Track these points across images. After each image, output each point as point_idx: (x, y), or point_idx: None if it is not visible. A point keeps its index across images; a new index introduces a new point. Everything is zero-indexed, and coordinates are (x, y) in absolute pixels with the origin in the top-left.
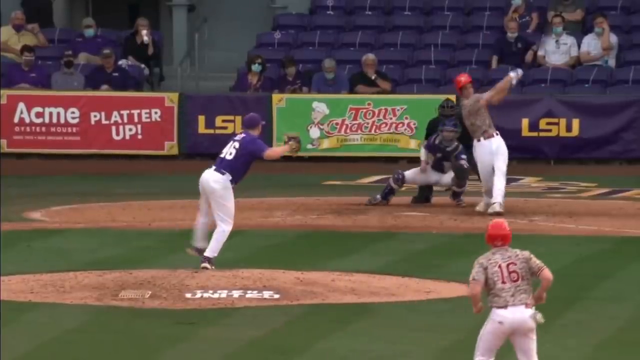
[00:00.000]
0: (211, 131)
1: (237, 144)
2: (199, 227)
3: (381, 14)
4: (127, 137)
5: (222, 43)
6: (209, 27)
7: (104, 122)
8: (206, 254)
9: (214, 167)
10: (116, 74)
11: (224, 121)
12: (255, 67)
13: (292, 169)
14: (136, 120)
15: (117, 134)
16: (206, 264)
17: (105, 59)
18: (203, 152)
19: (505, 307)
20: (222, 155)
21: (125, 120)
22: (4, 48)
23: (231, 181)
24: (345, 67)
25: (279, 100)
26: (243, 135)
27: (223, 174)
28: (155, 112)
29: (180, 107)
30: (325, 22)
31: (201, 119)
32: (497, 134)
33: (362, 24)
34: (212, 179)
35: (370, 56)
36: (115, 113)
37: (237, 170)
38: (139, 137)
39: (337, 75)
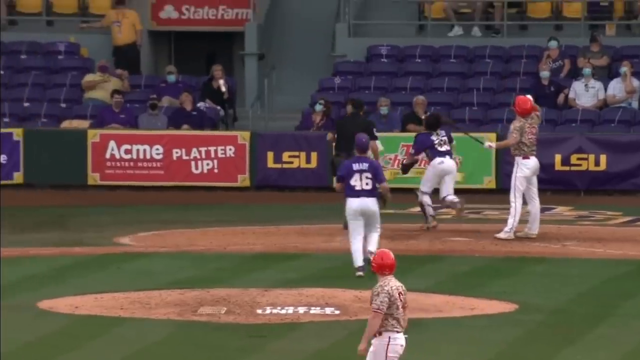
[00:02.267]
0: (279, 166)
1: (368, 174)
2: (360, 247)
3: (429, 61)
4: (205, 171)
5: (288, 87)
6: (276, 73)
7: (184, 157)
8: (373, 249)
9: (361, 196)
10: (195, 115)
11: (290, 156)
12: (318, 107)
13: None
14: (213, 156)
15: (196, 168)
16: (370, 256)
17: (185, 99)
18: (272, 184)
19: (400, 332)
20: (358, 188)
21: (203, 156)
22: (88, 85)
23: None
24: (397, 109)
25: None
26: (365, 163)
27: (374, 197)
28: (230, 149)
29: (252, 145)
30: (380, 68)
31: (270, 155)
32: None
33: (412, 70)
34: (371, 204)
35: (421, 97)
36: (194, 150)
37: (376, 191)
38: (215, 171)
39: (390, 116)
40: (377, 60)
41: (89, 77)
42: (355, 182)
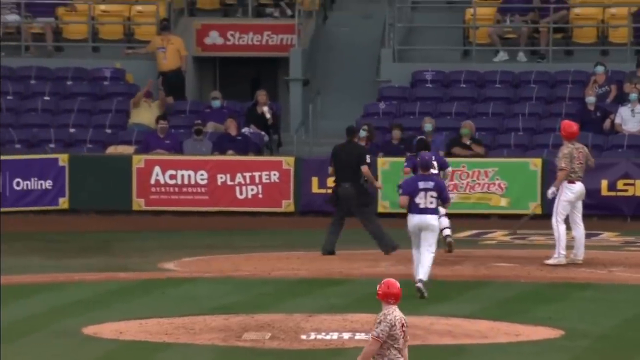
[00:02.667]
0: (323, 191)
1: (433, 193)
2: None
3: (474, 86)
4: (249, 196)
5: (332, 113)
6: (321, 98)
7: (229, 183)
8: (423, 278)
9: (423, 213)
10: (240, 140)
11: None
12: (362, 133)
13: (395, 224)
14: (257, 181)
15: (241, 193)
16: (420, 285)
17: (229, 125)
18: (316, 210)
19: None
20: (422, 206)
21: (248, 181)
22: (135, 101)
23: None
24: (442, 133)
25: (383, 163)
26: (431, 182)
27: (436, 213)
28: (274, 174)
29: (296, 170)
30: (425, 93)
31: (314, 180)
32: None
33: (457, 95)
34: (431, 218)
35: (468, 122)
36: (239, 175)
37: (438, 209)
38: (260, 196)
39: (434, 140)
40: (421, 85)
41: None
42: (420, 199)
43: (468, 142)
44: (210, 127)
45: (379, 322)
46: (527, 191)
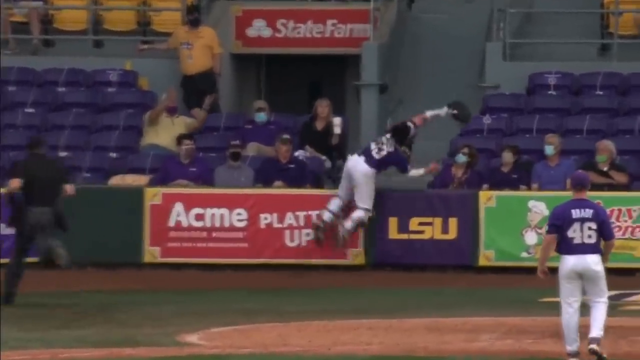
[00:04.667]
0: (405, 236)
1: (592, 224)
2: (573, 321)
3: (614, 93)
4: (303, 243)
5: (420, 130)
6: (404, 110)
7: (275, 225)
8: (597, 335)
9: (580, 253)
10: (292, 167)
11: (420, 224)
12: (460, 158)
13: (502, 281)
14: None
15: (292, 239)
16: (596, 347)
17: (281, 146)
18: (394, 262)
19: None
20: (577, 242)
21: (302, 223)
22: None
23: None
24: (570, 157)
25: (487, 198)
26: (589, 209)
27: (598, 253)
28: None
29: None
30: (547, 103)
31: (393, 222)
32: None
33: (592, 106)
34: (593, 262)
35: (606, 142)
36: (289, 215)
37: (599, 246)
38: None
39: (562, 163)
40: (542, 92)
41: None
42: (574, 233)
43: (605, 169)
44: (252, 149)
45: None
46: None
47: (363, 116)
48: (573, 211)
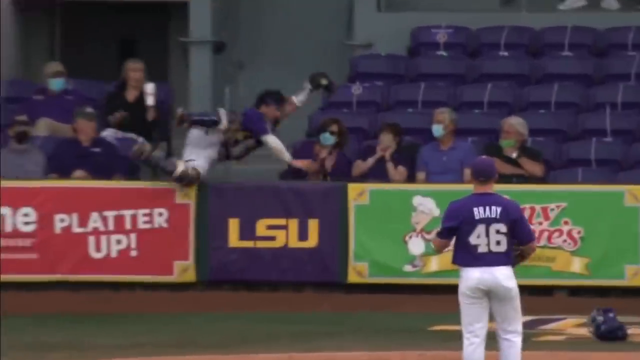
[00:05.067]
0: (249, 244)
1: (501, 226)
2: (477, 356)
3: (524, 54)
4: (113, 253)
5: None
6: (247, 76)
7: (75, 230)
8: None
9: (486, 265)
10: (97, 151)
11: (269, 227)
12: (326, 139)
13: (379, 304)
14: (128, 227)
15: (98, 249)
16: None
17: (83, 124)
18: (235, 279)
19: None
20: (482, 251)
21: (111, 226)
22: None
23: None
24: (466, 139)
25: (359, 193)
26: (497, 207)
27: (508, 264)
28: (160, 215)
29: (200, 206)
30: (434, 68)
31: (233, 225)
32: None
33: (494, 72)
34: (503, 277)
35: (513, 120)
36: (94, 215)
37: (511, 254)
38: (133, 254)
39: (457, 145)
40: (429, 53)
41: None
42: (478, 239)
43: (514, 155)
44: (44, 127)
45: None
46: (621, 244)
47: (193, 82)
48: (475, 210)
